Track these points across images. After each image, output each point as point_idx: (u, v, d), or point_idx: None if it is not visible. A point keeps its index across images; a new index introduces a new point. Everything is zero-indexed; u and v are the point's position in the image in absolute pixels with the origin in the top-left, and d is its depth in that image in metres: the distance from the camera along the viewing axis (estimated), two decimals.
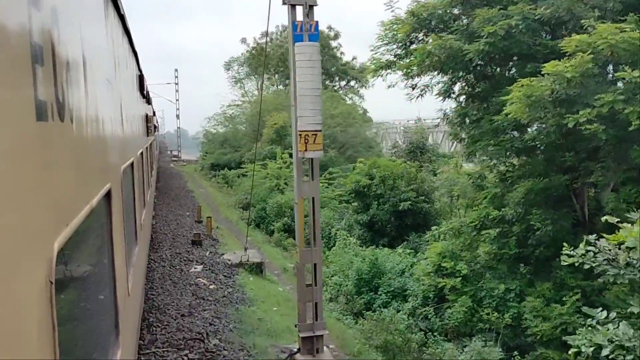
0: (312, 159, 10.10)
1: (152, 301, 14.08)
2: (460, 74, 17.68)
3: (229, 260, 20.43)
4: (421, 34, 18.64)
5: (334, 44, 61.18)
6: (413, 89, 21.18)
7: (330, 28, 61.02)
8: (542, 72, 12.39)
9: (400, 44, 18.89)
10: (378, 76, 21.12)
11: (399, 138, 48.22)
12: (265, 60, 52.06)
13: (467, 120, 17.68)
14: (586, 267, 8.09)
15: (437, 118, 55.66)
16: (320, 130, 9.69)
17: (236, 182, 48.35)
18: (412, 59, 19.10)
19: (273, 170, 33.39)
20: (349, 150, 41.65)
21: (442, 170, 30.81)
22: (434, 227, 21.27)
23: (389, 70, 20.79)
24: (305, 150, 9.61)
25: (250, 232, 29.97)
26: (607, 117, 11.57)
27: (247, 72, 71.11)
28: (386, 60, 19.80)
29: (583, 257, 8.15)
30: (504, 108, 16.30)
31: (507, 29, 14.27)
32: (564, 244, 8.72)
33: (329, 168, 37.04)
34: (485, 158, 19.14)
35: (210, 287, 16.54)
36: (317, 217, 10.39)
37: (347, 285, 18.37)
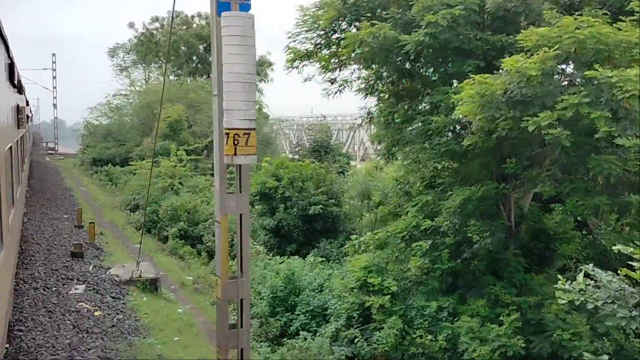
0: (240, 165, 7.95)
1: (20, 341, 11.17)
2: (388, 69, 16.12)
3: (117, 276, 17.61)
4: (345, 22, 16.95)
5: None
6: (332, 83, 19.53)
7: None
8: (502, 67, 11.08)
9: (322, 32, 17.08)
10: (294, 68, 19.20)
11: (304, 135, 46.51)
12: (170, 46, 48.51)
13: (394, 121, 16.17)
14: (589, 306, 6.63)
15: (347, 116, 55.14)
16: (254, 129, 7.57)
17: (121, 180, 44.57)
18: (335, 49, 17.38)
19: (167, 169, 30.41)
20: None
21: (354, 172, 29.44)
22: (354, 237, 19.69)
23: (305, 62, 18.97)
24: (235, 154, 7.46)
25: (140, 239, 26.95)
26: (566, 121, 10.41)
27: (133, 60, 66.41)
28: (305, 50, 17.92)
29: (582, 293, 6.70)
30: (437, 109, 14.99)
31: (450, 20, 12.87)
32: (559, 277, 7.23)
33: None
34: (408, 162, 17.82)
35: (96, 314, 13.78)
36: (247, 240, 8.26)
37: (260, 306, 16.23)
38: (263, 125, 46.36)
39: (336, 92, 19.62)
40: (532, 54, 10.66)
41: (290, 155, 42.44)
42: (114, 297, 15.59)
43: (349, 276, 17.05)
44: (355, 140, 66.35)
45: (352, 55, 14.62)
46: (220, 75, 7.76)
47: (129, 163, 38.41)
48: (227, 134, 7.44)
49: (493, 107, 10.81)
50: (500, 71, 11.57)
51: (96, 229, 24.40)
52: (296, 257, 23.22)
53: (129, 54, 66.42)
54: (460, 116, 11.54)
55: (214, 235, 26.10)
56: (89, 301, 14.62)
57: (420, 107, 16.00)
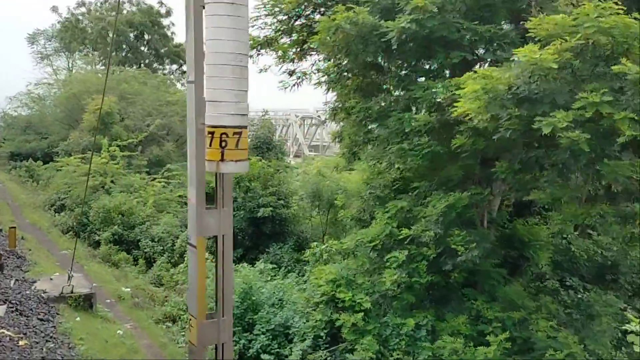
0: (222, 174, 6.20)
1: None
2: (354, 60, 14.58)
3: (45, 291, 15.29)
4: (310, 6, 15.33)
5: (165, 21, 55.27)
6: (290, 75, 17.92)
7: (161, 3, 55.01)
8: (513, 58, 9.79)
9: (284, 18, 15.39)
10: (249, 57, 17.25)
11: None
12: (115, 32, 44.84)
13: (365, 117, 14.70)
14: None
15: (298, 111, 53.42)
16: (246, 127, 5.83)
17: (43, 176, 41.13)
18: (297, 37, 15.75)
19: (98, 166, 27.71)
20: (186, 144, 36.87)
21: (305, 171, 27.82)
22: (314, 244, 18.05)
23: (262, 51, 17.26)
24: (222, 159, 5.70)
25: (69, 245, 24.29)
26: (581, 123, 9.23)
27: (56, 48, 62.01)
28: (264, 37, 16.18)
29: None
30: (415, 105, 13.68)
31: (439, 5, 11.50)
32: (630, 316, 5.90)
33: (166, 164, 32.12)
34: (374, 163, 16.45)
35: (20, 343, 11.52)
36: (230, 269, 6.51)
37: None
38: None
39: (294, 85, 18.02)
40: (542, 45, 9.38)
41: None
42: (41, 320, 13.34)
43: (313, 289, 15.46)
44: (289, 136, 64.90)
45: (324, 43, 12.98)
46: (200, 55, 6.00)
47: (54, 159, 35.15)
48: (212, 133, 5.68)
49: (498, 105, 9.46)
50: (508, 64, 10.27)
51: (17, 233, 21.71)
52: (245, 264, 21.38)
53: (50, 40, 62.09)
54: (457, 114, 10.11)
55: (153, 240, 23.96)
56: (10, 326, 12.32)
57: (389, 104, 14.56)
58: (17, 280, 16.09)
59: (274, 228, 25.00)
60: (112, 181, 27.71)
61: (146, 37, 53.04)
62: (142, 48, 55.43)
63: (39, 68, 61.41)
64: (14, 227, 20.62)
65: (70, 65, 61.33)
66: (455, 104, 10.12)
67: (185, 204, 29.14)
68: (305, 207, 27.19)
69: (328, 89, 17.28)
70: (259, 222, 24.67)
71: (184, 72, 55.99)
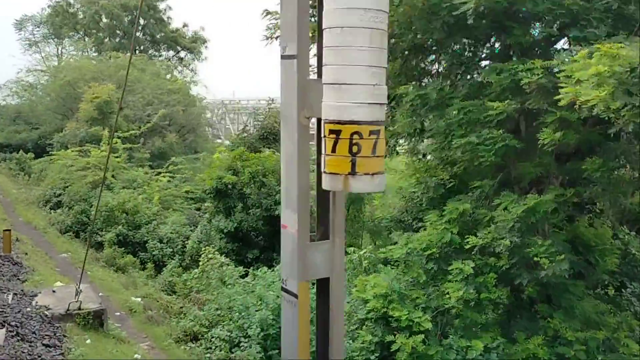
0: (334, 192, 4.28)
1: None
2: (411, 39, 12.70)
3: (48, 308, 13.33)
4: None
5: (161, 5, 52.84)
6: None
7: None
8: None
9: None
10: (275, 38, 15.62)
11: (251, 121, 42.15)
12: (140, 12, 42.48)
13: (416, 107, 12.81)
14: None
15: None
16: (382, 123, 3.86)
17: (35, 169, 39.03)
18: None
19: (97, 159, 25.67)
20: (190, 135, 34.79)
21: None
22: (351, 249, 16.19)
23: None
24: (353, 173, 3.75)
25: (68, 247, 22.30)
26: None
27: (44, 34, 59.68)
28: None
29: None
30: (485, 90, 11.84)
31: None
32: None
33: (169, 157, 30.12)
34: (431, 157, 14.71)
35: None
36: (340, 315, 4.60)
37: (247, 347, 12.44)
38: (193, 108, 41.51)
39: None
40: None
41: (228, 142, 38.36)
42: (47, 346, 11.42)
43: (354, 301, 13.64)
44: None
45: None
46: (304, 17, 4.08)
47: (49, 152, 33.00)
48: (336, 132, 3.75)
49: (622, 91, 7.60)
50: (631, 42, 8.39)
51: (12, 235, 19.75)
52: (264, 268, 19.54)
53: (39, 27, 59.74)
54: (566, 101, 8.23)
55: (161, 241, 22.01)
56: (12, 357, 10.37)
57: (448, 90, 12.69)
58: (15, 294, 14.10)
59: None
60: (113, 176, 25.67)
61: (141, 21, 50.69)
62: (137, 34, 53.06)
63: (28, 55, 58.95)
64: (9, 230, 18.60)
65: (59, 52, 59.16)
66: (562, 90, 8.22)
67: (194, 200, 27.26)
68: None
69: None
70: (276, 221, 22.72)
71: (181, 59, 53.84)
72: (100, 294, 16.98)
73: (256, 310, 13.07)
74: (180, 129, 33.06)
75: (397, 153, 16.61)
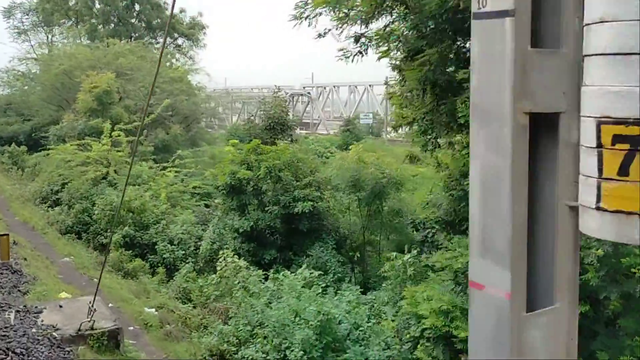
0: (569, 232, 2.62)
1: None
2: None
3: (56, 328, 11.70)
4: None
5: None
6: (357, 41, 14.40)
7: None
8: None
9: None
10: (305, 18, 14.03)
11: (256, 110, 40.16)
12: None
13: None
14: None
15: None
16: None
17: (29, 163, 37.29)
18: None
19: (99, 153, 23.93)
20: (194, 125, 33.00)
21: (341, 157, 24.23)
22: (394, 254, 14.61)
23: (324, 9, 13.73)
24: None
25: (70, 250, 20.62)
26: None
27: (34, 22, 57.62)
28: None
29: None
30: None
31: None
32: None
33: (173, 150, 28.37)
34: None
35: None
36: None
37: None
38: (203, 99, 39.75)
39: (355, 55, 14.45)
40: None
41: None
42: None
43: (402, 314, 12.10)
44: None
45: None
46: None
47: (44, 145, 31.16)
48: (630, 141, 2.11)
49: None
50: None
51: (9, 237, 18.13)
52: (287, 272, 18.01)
53: (28, 14, 57.66)
54: None
55: (171, 243, 20.38)
56: None
57: None
58: (17, 311, 12.45)
59: (311, 224, 21.53)
60: (115, 171, 23.94)
61: (137, 7, 48.63)
62: (132, 20, 51.09)
63: (17, 44, 56.88)
64: (6, 235, 16.89)
65: (50, 40, 57.18)
66: None
67: (202, 197, 25.56)
68: (339, 198, 23.73)
69: (406, 58, 13.77)
70: (294, 219, 21.17)
71: (179, 45, 51.81)
72: (110, 304, 15.39)
73: (296, 328, 11.47)
74: (182, 120, 31.28)
75: (439, 146, 15.04)
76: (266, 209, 20.88)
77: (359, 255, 22.19)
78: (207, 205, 24.55)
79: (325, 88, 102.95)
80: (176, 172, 25.11)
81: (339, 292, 17.87)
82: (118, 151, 24.59)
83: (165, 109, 28.95)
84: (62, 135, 26.99)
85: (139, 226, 20.66)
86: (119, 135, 24.77)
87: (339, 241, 22.50)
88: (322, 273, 18.61)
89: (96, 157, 23.98)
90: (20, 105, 45.04)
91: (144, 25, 49.58)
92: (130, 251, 20.01)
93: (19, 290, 14.61)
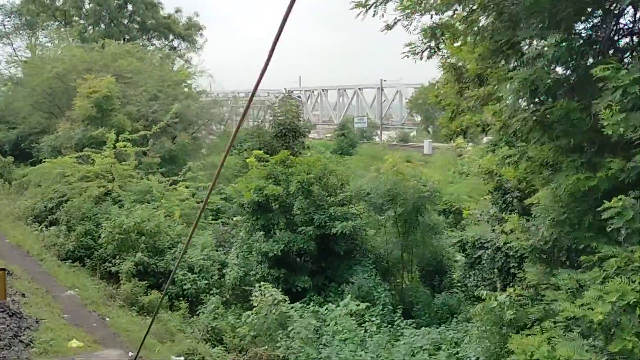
0: None
1: None
2: None
3: None
4: None
5: None
6: (434, 36, 12.20)
7: None
8: None
9: None
10: (371, 6, 11.69)
11: (265, 115, 37.45)
12: None
13: None
14: None
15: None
16: None
17: (15, 175, 34.58)
18: None
19: (102, 166, 21.27)
20: (201, 133, 30.28)
21: (379, 167, 21.75)
22: (485, 293, 12.14)
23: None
24: None
25: (73, 280, 17.93)
26: None
27: (16, 25, 54.76)
28: None
29: None
30: None
31: None
32: None
33: (181, 161, 25.75)
34: None
35: None
36: None
37: None
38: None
39: (425, 51, 12.16)
40: None
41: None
42: None
43: None
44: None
45: None
46: None
47: (35, 156, 28.38)
48: None
49: None
50: None
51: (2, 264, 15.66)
52: (332, 305, 15.64)
53: (9, 16, 54.75)
54: None
55: (192, 271, 17.82)
56: None
57: None
58: None
59: (348, 246, 19.12)
60: (120, 187, 21.27)
61: (130, 7, 45.80)
62: (125, 21, 48.23)
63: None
64: (2, 270, 14.22)
65: (33, 43, 54.20)
66: None
67: (216, 213, 23.01)
68: (373, 214, 21.27)
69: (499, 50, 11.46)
70: (329, 240, 18.71)
71: (174, 47, 49.07)
72: (130, 353, 12.85)
73: None
74: (186, 127, 28.58)
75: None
76: (298, 229, 18.39)
77: (403, 281, 19.90)
78: (223, 223, 21.98)
79: (313, 92, 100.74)
80: (186, 186, 22.50)
81: (392, 326, 15.52)
82: (125, 164, 21.91)
83: (173, 116, 26.28)
84: (57, 146, 24.22)
85: (152, 251, 18.05)
86: (125, 146, 22.09)
87: (376, 263, 20.11)
88: (369, 304, 16.22)
89: (99, 170, 21.31)
90: (5, 112, 42.21)
91: (136, 26, 46.76)
92: (145, 281, 17.38)
93: (20, 341, 12.06)
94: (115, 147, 21.82)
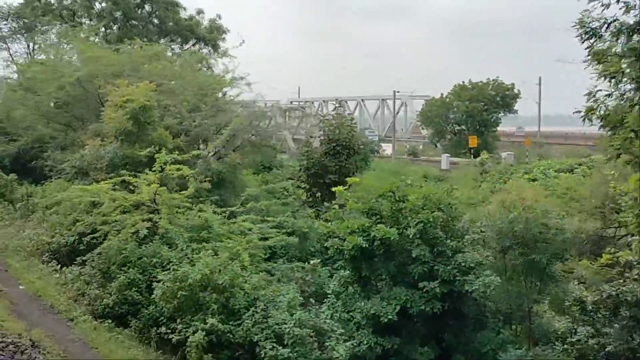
0: None
1: None
2: None
3: None
4: None
5: None
6: None
7: None
8: None
9: None
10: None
11: (314, 130, 32.87)
12: None
13: None
14: None
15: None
16: None
17: (18, 194, 30.29)
18: None
19: (147, 194, 16.86)
20: (253, 150, 25.82)
21: (500, 200, 17.44)
22: None
23: None
24: None
25: (120, 353, 13.48)
26: None
27: (13, 28, 51.16)
28: None
29: None
30: None
31: None
32: None
33: (231, 185, 21.34)
34: None
35: None
36: None
37: None
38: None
39: None
40: None
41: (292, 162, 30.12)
42: None
43: None
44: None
45: None
46: None
47: (47, 175, 23.96)
48: None
49: None
50: None
51: (16, 324, 11.43)
52: None
53: (7, 20, 51.07)
54: None
55: (281, 341, 13.34)
56: None
57: None
58: None
59: (477, 305, 14.85)
60: (170, 222, 16.81)
61: (147, 7, 41.46)
62: (135, 21, 43.92)
63: None
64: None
65: (30, 48, 50.46)
66: None
67: (273, 255, 18.68)
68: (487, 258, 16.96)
69: None
70: (455, 298, 14.41)
71: (192, 52, 44.75)
72: None
73: None
74: (226, 140, 23.87)
75: None
76: (420, 284, 14.06)
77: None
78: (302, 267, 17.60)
79: (313, 103, 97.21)
80: (252, 221, 18.06)
81: None
82: (177, 193, 17.46)
83: (230, 132, 21.82)
84: (83, 167, 19.76)
85: (225, 313, 13.64)
86: (180, 169, 17.61)
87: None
88: None
89: (141, 198, 16.90)
90: (4, 122, 37.88)
91: (155, 28, 42.34)
92: (217, 353, 12.97)
93: None
94: (162, 170, 17.39)
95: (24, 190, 31.46)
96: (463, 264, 14.12)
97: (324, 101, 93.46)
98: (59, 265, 19.35)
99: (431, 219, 14.12)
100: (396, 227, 14.50)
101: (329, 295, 15.41)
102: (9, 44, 51.48)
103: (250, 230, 17.20)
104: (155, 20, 42.21)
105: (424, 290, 13.94)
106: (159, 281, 14.95)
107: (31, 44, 51.03)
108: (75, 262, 18.83)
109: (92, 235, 17.32)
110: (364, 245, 14.06)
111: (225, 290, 14.09)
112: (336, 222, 15.23)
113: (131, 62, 25.07)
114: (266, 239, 17.90)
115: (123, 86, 20.90)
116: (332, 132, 28.76)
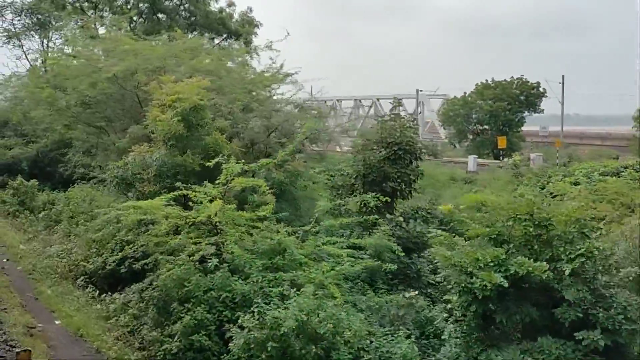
0: None
1: None
2: None
3: None
4: None
5: None
6: None
7: None
8: None
9: None
10: None
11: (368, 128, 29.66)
12: None
13: None
14: None
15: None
16: None
17: (39, 202, 27.93)
18: None
19: (212, 212, 13.89)
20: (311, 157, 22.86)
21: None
22: None
23: None
24: None
25: None
26: None
27: (27, 24, 49.07)
28: None
29: None
30: None
31: None
32: None
33: (296, 198, 18.41)
34: None
35: None
36: None
37: None
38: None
39: None
40: None
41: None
42: None
43: None
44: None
45: None
46: None
47: (74, 180, 21.10)
48: None
49: None
50: None
51: None
52: None
53: (20, 15, 48.84)
54: None
55: None
56: None
57: None
58: None
59: None
60: (236, 243, 13.86)
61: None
62: (162, 14, 41.29)
63: (6, 49, 47.51)
64: None
65: (44, 45, 48.24)
66: None
67: (368, 282, 15.78)
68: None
69: None
70: (616, 353, 11.36)
71: (223, 48, 41.98)
72: None
73: None
74: (282, 142, 20.88)
75: None
76: (574, 334, 11.02)
77: None
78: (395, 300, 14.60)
79: (325, 102, 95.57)
80: (342, 246, 15.07)
81: None
82: (244, 212, 14.52)
83: (302, 137, 18.83)
84: (127, 177, 16.84)
85: None
86: (252, 181, 14.54)
87: None
88: None
89: (200, 218, 13.97)
90: (21, 122, 35.44)
91: (184, 21, 39.56)
92: None
93: None
94: (227, 183, 14.43)
95: (45, 197, 28.87)
96: (629, 308, 11.07)
97: (337, 100, 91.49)
98: (97, 292, 16.62)
99: (594, 251, 11.10)
100: (536, 259, 11.49)
101: (445, 342, 12.40)
102: (22, 41, 49.49)
103: (339, 256, 14.17)
104: (184, 13, 39.50)
105: (582, 342, 10.91)
106: (230, 322, 12.15)
107: (45, 41, 48.95)
108: (116, 289, 16.15)
109: (143, 262, 14.38)
110: (502, 284, 11.06)
111: (323, 338, 11.14)
112: (438, 247, 12.31)
113: (174, 55, 22.16)
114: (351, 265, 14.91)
115: (169, 83, 17.99)
116: (392, 134, 25.61)
